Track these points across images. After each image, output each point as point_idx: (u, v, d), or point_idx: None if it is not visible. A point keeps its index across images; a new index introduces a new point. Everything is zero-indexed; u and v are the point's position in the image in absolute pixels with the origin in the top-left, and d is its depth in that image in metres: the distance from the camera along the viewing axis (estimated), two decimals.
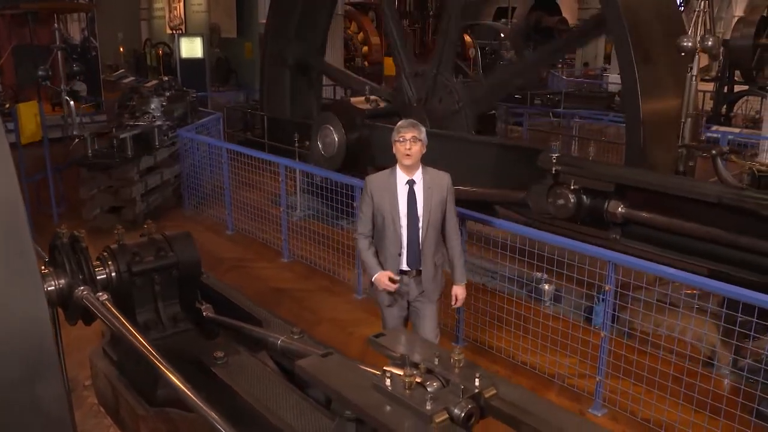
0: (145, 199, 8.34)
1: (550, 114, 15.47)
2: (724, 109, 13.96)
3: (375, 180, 4.13)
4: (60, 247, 3.31)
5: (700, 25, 5.52)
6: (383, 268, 4.14)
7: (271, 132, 10.73)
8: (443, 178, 4.08)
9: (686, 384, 4.04)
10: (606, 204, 5.38)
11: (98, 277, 3.36)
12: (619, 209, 5.32)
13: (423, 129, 4.01)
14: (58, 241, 3.32)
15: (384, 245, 4.10)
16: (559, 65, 26.13)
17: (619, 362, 4.39)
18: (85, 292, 3.16)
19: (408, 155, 3.93)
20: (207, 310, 3.77)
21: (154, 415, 3.39)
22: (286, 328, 3.39)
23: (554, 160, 5.41)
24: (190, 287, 3.74)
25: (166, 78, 10.47)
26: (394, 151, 4.00)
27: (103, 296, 3.18)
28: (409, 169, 3.99)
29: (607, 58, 27.69)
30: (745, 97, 14.30)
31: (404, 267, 4.11)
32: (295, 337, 3.30)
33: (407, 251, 4.06)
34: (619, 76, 18.75)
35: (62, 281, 3.18)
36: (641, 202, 5.28)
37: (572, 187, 5.47)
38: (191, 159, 8.98)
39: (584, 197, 5.47)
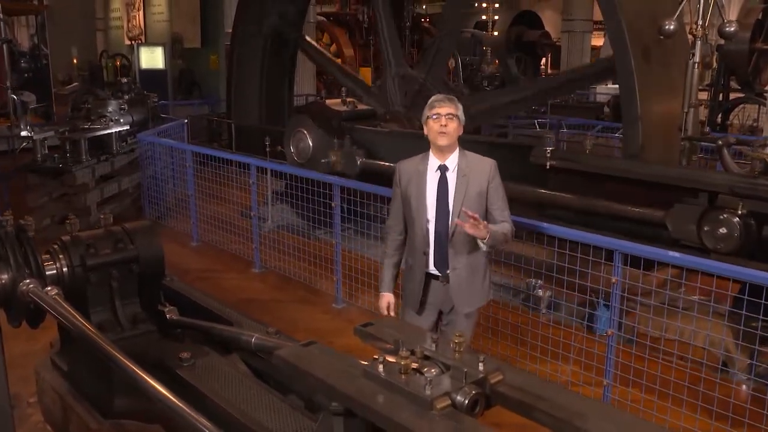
0: (101, 209, 8.12)
1: (536, 124, 15.55)
2: (719, 118, 14.14)
3: (405, 164, 3.81)
4: (3, 238, 3.13)
5: (701, 11, 5.54)
6: (392, 289, 3.86)
7: (239, 141, 10.61)
8: (485, 165, 3.68)
9: (703, 389, 3.94)
10: None
11: (47, 273, 3.19)
12: None
13: (460, 105, 3.67)
14: (1, 231, 3.13)
15: (412, 242, 3.79)
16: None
17: (628, 369, 4.29)
18: (31, 286, 3.00)
19: (443, 133, 3.58)
20: (171, 313, 3.61)
21: (110, 428, 3.20)
22: (260, 328, 3.26)
23: (548, 155, 5.34)
24: (152, 285, 3.59)
25: (125, 80, 10.31)
26: (425, 131, 3.70)
27: (53, 290, 3.02)
28: (443, 152, 3.66)
29: None
30: (742, 105, 14.51)
31: (431, 269, 3.76)
32: (272, 337, 3.17)
33: (434, 251, 3.71)
34: (606, 86, 18.94)
35: (4, 276, 3.00)
36: None
37: (740, 212, 4.66)
38: (153, 167, 8.80)
39: (756, 225, 4.69)
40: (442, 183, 3.67)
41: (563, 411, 1.97)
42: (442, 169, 3.68)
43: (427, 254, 3.73)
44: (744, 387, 4.29)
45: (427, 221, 3.70)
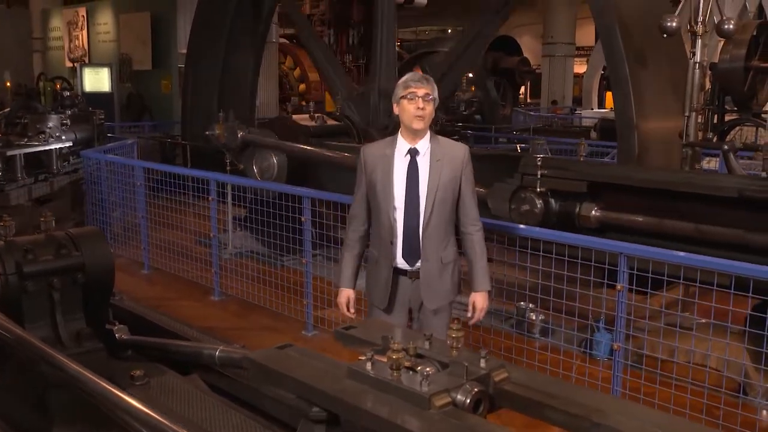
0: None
1: (517, 147, 15.70)
2: (714, 140, 14.36)
3: (371, 148, 3.83)
4: None
5: (701, 5, 5.67)
6: (352, 285, 3.86)
7: (195, 162, 10.53)
8: (458, 151, 3.72)
9: (724, 406, 3.92)
10: (578, 207, 5.36)
11: None
12: (593, 212, 5.30)
13: (435, 85, 3.65)
14: None
15: (377, 232, 3.77)
16: (523, 106, 26.89)
17: (637, 389, 4.24)
18: None
19: (420, 116, 3.56)
20: (120, 332, 3.47)
21: None
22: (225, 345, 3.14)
23: (539, 163, 5.35)
24: (99, 299, 3.45)
25: (68, 93, 10.17)
26: (396, 111, 3.68)
27: None
28: (415, 135, 3.65)
29: (577, 101, 28.57)
30: (739, 127, 14.78)
31: (399, 262, 3.73)
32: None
33: (403, 241, 3.69)
34: (593, 111, 19.22)
35: None
36: (621, 203, 5.23)
37: (539, 190, 5.41)
38: (98, 189, 8.63)
39: (553, 201, 5.45)
40: (412, 168, 3.66)
41: (580, 408, 1.89)
42: (413, 152, 3.67)
43: (394, 244, 3.70)
44: (764, 412, 4.25)
45: (394, 209, 3.68)
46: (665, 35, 5.75)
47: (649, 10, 6.98)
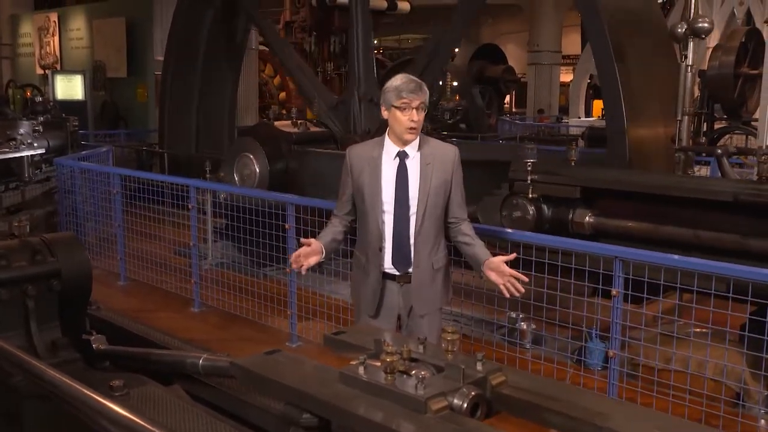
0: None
1: None
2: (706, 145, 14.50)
3: (357, 150, 3.77)
4: None
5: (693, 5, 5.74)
6: (323, 243, 3.71)
7: (173, 172, 10.48)
8: (448, 153, 3.68)
9: (723, 414, 3.93)
10: (571, 213, 5.38)
11: None
12: (587, 218, 5.32)
13: (426, 89, 3.59)
14: None
15: (365, 238, 3.73)
16: (508, 115, 27.04)
17: (634, 401, 4.21)
18: None
19: (413, 129, 3.53)
20: (98, 342, 3.42)
21: None
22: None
23: (529, 168, 5.35)
24: (76, 307, 3.40)
25: (40, 99, 10.09)
26: (385, 116, 3.62)
27: None
28: (404, 139, 3.61)
29: (563, 110, 28.77)
30: (728, 135, 14.92)
31: (387, 267, 3.68)
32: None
33: (393, 246, 3.65)
34: (579, 119, 19.27)
35: None
36: (616, 208, 5.26)
37: (530, 196, 5.42)
38: (72, 198, 8.55)
39: (545, 207, 5.45)
40: (401, 171, 3.62)
41: (581, 411, 1.88)
42: (401, 155, 3.63)
43: (382, 250, 3.66)
44: (762, 422, 4.26)
45: (383, 212, 3.64)
46: (702, 37, 5.86)
47: (639, 12, 7.04)
